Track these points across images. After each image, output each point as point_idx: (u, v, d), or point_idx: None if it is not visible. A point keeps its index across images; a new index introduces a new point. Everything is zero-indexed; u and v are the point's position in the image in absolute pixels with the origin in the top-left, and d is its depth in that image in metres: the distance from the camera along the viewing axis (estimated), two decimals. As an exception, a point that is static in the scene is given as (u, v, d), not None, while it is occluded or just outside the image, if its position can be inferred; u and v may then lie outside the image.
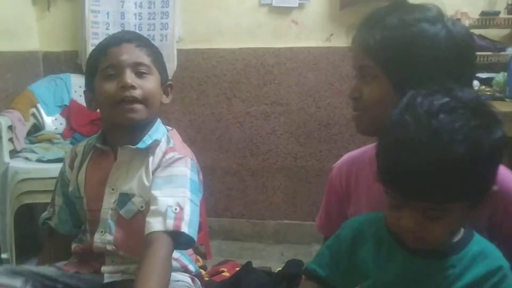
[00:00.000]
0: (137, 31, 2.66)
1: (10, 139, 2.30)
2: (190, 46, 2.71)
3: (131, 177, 1.17)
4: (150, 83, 1.17)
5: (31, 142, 2.48)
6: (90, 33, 2.68)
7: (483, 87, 2.36)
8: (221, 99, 2.75)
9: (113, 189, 1.18)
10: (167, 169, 1.15)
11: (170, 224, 1.05)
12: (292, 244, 2.70)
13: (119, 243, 1.17)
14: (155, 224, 1.06)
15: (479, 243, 0.84)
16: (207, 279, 1.48)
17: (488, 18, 2.34)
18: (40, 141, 2.48)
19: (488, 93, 2.32)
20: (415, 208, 0.76)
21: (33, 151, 2.35)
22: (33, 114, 2.57)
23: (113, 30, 2.69)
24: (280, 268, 1.98)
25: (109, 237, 1.17)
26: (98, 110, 1.22)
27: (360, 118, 1.00)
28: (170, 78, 2.72)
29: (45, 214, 1.34)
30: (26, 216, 2.41)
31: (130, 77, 1.14)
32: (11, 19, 2.64)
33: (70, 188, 1.26)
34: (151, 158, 1.17)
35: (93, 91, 1.20)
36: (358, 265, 0.90)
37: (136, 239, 1.11)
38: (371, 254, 0.88)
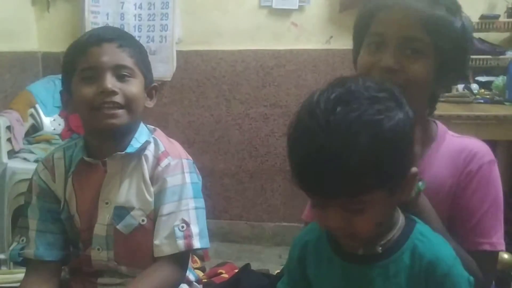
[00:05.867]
0: (136, 32, 2.66)
1: (9, 140, 2.30)
2: (190, 47, 2.71)
3: (127, 188, 1.10)
4: (132, 87, 1.08)
5: (29, 143, 2.47)
6: (90, 34, 2.68)
7: (483, 90, 2.37)
8: (220, 101, 2.75)
9: (107, 203, 1.11)
10: (166, 179, 1.10)
11: (181, 244, 1.06)
12: (290, 246, 2.68)
13: (121, 259, 1.12)
14: (164, 247, 1.06)
15: (419, 242, 0.81)
16: (205, 280, 1.48)
17: (487, 21, 2.35)
18: (38, 142, 2.48)
19: (488, 96, 2.33)
20: (335, 205, 0.75)
21: (31, 152, 2.35)
22: (32, 115, 2.56)
23: (113, 31, 2.69)
24: (278, 271, 1.98)
25: (109, 254, 1.11)
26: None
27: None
28: (169, 79, 2.79)
29: (14, 247, 1.12)
30: (24, 217, 2.40)
31: (110, 81, 1.05)
32: (10, 19, 2.64)
33: (57, 205, 1.14)
34: (144, 165, 1.11)
35: (70, 92, 1.10)
36: (310, 279, 0.90)
37: (139, 255, 1.09)
38: (313, 266, 0.89)
